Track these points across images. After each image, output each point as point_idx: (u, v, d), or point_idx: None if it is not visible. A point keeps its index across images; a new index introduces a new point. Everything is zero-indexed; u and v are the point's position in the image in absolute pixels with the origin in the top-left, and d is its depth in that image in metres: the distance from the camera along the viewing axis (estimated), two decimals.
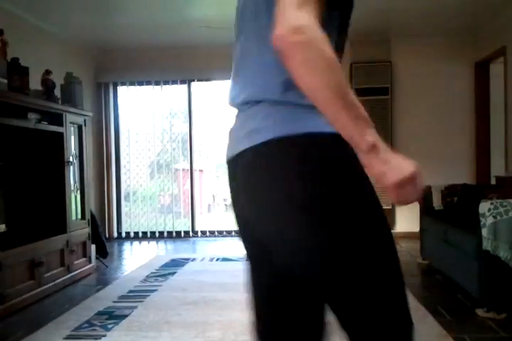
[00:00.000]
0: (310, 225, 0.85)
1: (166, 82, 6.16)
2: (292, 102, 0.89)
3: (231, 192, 1.03)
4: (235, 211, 1.05)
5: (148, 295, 3.31)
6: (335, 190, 0.85)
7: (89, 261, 4.14)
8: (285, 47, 0.77)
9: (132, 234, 6.29)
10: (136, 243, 5.94)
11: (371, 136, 0.80)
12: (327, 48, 0.77)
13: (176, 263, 4.40)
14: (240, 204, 0.99)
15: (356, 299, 0.88)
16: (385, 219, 0.93)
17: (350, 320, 0.90)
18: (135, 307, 3.05)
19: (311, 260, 0.86)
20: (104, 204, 6.19)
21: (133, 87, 6.25)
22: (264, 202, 0.88)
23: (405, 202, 0.85)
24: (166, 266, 4.33)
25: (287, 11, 0.78)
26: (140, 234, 6.28)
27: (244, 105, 0.97)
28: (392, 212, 5.80)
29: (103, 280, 3.88)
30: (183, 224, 6.26)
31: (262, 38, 0.90)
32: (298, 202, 0.84)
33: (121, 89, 6.31)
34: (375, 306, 0.89)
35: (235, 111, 1.03)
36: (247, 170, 0.91)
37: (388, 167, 0.83)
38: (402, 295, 1.01)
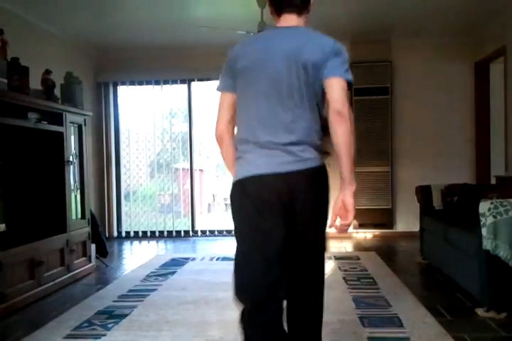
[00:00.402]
0: (327, 202, 1.75)
1: (165, 82, 6.16)
2: (320, 148, 1.69)
3: (267, 190, 1.64)
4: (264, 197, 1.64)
5: (148, 295, 3.32)
6: (328, 191, 1.75)
7: (89, 261, 4.14)
8: (345, 119, 1.58)
9: (132, 234, 6.29)
10: (136, 242, 5.95)
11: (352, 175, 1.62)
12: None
13: (176, 263, 4.41)
14: (284, 192, 1.64)
15: (323, 231, 1.78)
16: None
17: (309, 251, 1.74)
18: (135, 306, 3.05)
19: (324, 210, 1.75)
20: (104, 203, 6.20)
21: (133, 86, 6.25)
22: (320, 192, 1.71)
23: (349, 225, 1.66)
24: (166, 265, 4.33)
25: (345, 101, 1.60)
26: (140, 234, 6.29)
27: (291, 145, 1.64)
28: (392, 212, 5.81)
29: (103, 280, 3.88)
30: (183, 224, 6.27)
31: (313, 111, 1.68)
32: (327, 193, 1.74)
33: (121, 89, 6.31)
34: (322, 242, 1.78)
35: (259, 145, 1.66)
36: (311, 177, 1.67)
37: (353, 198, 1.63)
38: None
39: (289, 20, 1.75)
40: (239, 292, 1.68)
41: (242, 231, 1.68)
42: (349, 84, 1.63)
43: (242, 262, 1.67)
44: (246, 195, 1.65)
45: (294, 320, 1.79)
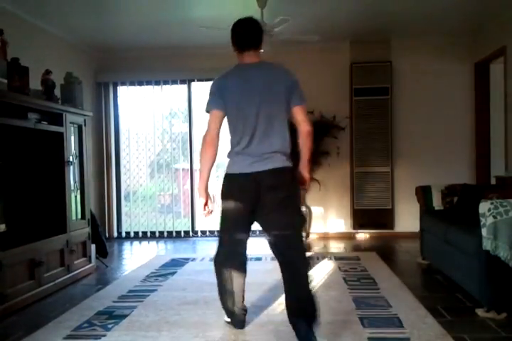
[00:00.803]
0: (297, 188, 2.45)
1: (166, 82, 6.16)
2: (288, 155, 2.37)
3: (248, 183, 2.35)
4: (245, 192, 2.36)
5: (148, 295, 3.32)
6: (296, 182, 2.42)
7: (89, 261, 4.14)
8: (311, 134, 2.45)
9: (132, 234, 6.29)
10: (136, 243, 5.95)
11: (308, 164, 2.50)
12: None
13: (176, 263, 4.41)
14: (260, 186, 2.32)
15: (299, 215, 2.49)
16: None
17: (286, 222, 2.35)
18: (135, 307, 3.05)
19: (296, 195, 2.44)
20: (104, 204, 6.20)
21: (133, 86, 6.25)
22: (287, 183, 2.35)
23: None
24: (166, 265, 4.33)
25: (307, 118, 2.43)
26: (140, 234, 6.29)
27: (269, 153, 2.34)
28: (392, 212, 5.81)
29: (103, 280, 3.88)
30: (183, 224, 6.27)
31: (284, 127, 2.38)
32: (293, 184, 2.41)
33: (121, 89, 6.31)
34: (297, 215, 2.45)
35: (244, 152, 2.38)
36: (277, 173, 2.34)
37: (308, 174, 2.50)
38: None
39: (252, 56, 2.45)
40: (221, 232, 2.54)
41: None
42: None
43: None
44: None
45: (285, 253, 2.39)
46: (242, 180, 2.34)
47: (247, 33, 2.45)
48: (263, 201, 2.31)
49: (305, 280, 2.31)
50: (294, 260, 2.33)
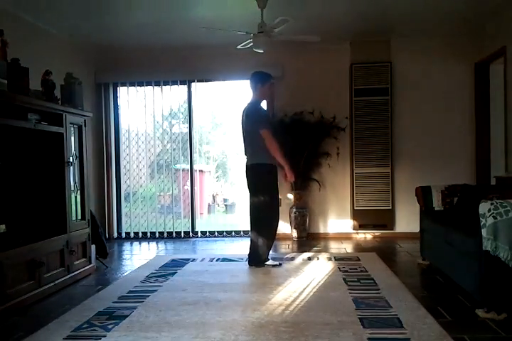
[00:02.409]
0: (260, 179, 4.08)
1: (166, 83, 6.16)
2: (259, 154, 4.04)
3: (246, 173, 4.16)
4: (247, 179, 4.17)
5: (148, 296, 3.31)
6: (264, 175, 4.01)
7: (89, 262, 4.14)
8: (273, 147, 3.97)
9: (132, 235, 6.29)
10: (136, 243, 5.95)
11: (285, 160, 4.06)
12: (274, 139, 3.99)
13: (176, 264, 4.40)
14: (247, 176, 4.13)
15: (259, 195, 4.06)
16: (274, 186, 4.06)
17: (255, 206, 4.11)
18: (135, 307, 3.05)
19: (258, 183, 4.07)
20: (104, 204, 6.20)
21: (133, 87, 6.25)
22: (256, 175, 4.08)
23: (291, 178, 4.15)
24: (166, 266, 4.33)
25: (270, 140, 3.97)
26: (140, 235, 6.29)
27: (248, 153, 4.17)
28: (392, 213, 5.81)
29: (103, 281, 3.88)
30: (183, 225, 6.27)
31: (255, 142, 4.04)
32: (260, 176, 4.05)
33: (121, 90, 6.31)
34: (263, 200, 4.04)
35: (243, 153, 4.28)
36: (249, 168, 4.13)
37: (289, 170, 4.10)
38: (275, 195, 4.11)
39: (251, 95, 4.11)
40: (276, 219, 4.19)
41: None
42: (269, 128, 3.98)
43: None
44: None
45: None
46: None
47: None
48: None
49: (253, 236, 4.07)
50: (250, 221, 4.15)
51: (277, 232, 4.28)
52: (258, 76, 4.03)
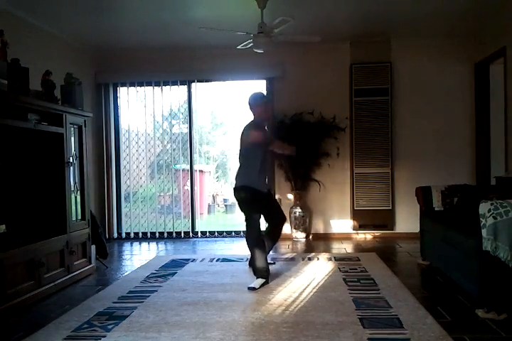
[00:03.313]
0: (243, 201, 3.84)
1: (165, 83, 6.16)
2: (246, 175, 3.85)
3: (236, 193, 3.90)
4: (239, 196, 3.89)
5: (148, 296, 3.31)
6: (245, 196, 3.79)
7: (89, 262, 4.14)
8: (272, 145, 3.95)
9: (132, 235, 6.29)
10: (136, 243, 5.94)
11: (280, 143, 4.05)
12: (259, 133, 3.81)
13: (176, 264, 4.41)
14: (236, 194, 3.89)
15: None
16: (252, 204, 3.80)
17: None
18: (135, 307, 3.05)
19: (241, 203, 3.86)
20: (104, 204, 6.19)
21: (133, 87, 6.25)
22: (242, 195, 3.85)
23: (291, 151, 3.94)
24: (166, 266, 4.33)
25: (253, 131, 3.78)
26: (140, 235, 6.29)
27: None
28: (392, 213, 5.81)
29: (103, 281, 3.88)
30: (183, 225, 6.26)
31: (248, 162, 3.87)
32: (244, 197, 3.82)
33: (121, 90, 6.31)
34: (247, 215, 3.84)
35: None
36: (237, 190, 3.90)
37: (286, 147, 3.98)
38: (252, 215, 3.80)
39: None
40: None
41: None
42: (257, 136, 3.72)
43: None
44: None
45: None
46: None
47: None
48: None
49: (248, 243, 3.82)
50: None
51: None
52: (251, 97, 3.94)
